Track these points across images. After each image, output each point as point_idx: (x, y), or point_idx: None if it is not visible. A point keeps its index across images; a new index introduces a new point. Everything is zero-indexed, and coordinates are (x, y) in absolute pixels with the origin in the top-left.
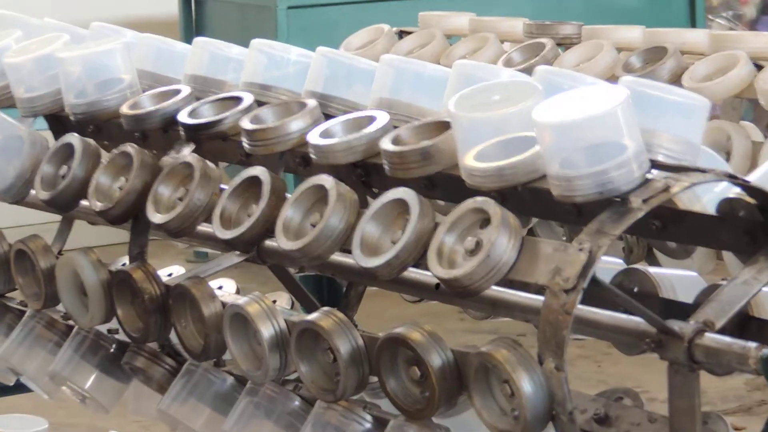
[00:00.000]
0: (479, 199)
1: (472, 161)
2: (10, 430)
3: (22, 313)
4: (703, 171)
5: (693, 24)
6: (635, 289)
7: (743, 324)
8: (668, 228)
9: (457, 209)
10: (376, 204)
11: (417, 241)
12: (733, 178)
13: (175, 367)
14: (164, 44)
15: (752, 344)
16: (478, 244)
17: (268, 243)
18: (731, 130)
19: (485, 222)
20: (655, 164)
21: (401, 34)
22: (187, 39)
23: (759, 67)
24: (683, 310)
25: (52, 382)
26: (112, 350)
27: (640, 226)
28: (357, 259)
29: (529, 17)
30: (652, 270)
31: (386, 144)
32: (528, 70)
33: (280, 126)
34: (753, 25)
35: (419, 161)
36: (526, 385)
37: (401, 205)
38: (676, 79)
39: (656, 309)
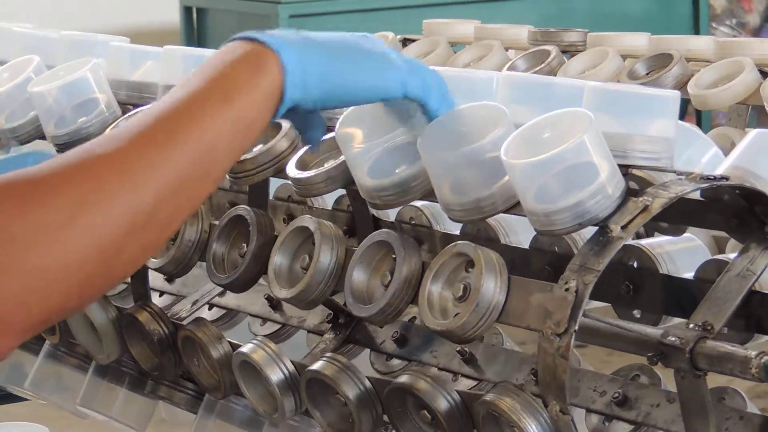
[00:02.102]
0: (460, 243)
1: (448, 194)
2: None
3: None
4: (680, 174)
5: (696, 32)
6: (635, 265)
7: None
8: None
9: (439, 256)
10: (360, 249)
11: (406, 285)
12: (710, 180)
13: (198, 391)
14: (136, 49)
15: (753, 352)
16: (466, 290)
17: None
18: (737, 137)
19: (470, 264)
20: (630, 174)
21: (405, 42)
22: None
23: (765, 74)
24: (686, 289)
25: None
26: (135, 374)
27: None
28: (351, 308)
29: (533, 24)
30: (649, 243)
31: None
32: None
33: (258, 156)
34: (757, 33)
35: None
36: (533, 430)
37: (385, 245)
38: (681, 86)
39: (658, 285)
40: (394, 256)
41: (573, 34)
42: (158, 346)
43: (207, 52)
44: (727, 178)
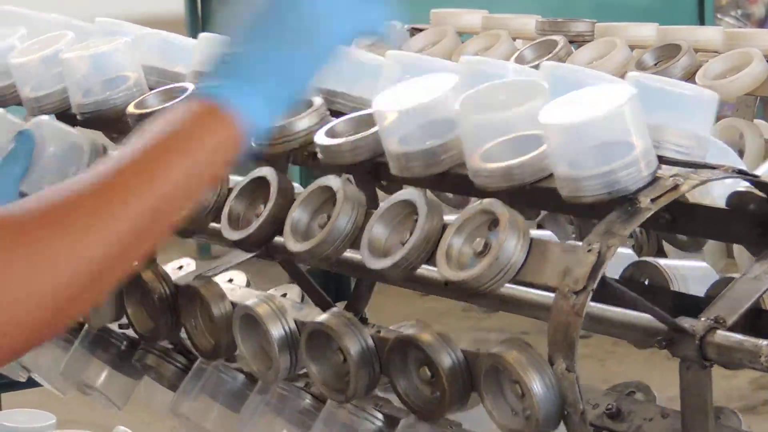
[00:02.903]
0: (487, 200)
1: (478, 162)
2: (17, 425)
3: None
4: (712, 167)
5: (702, 22)
6: (646, 282)
7: (756, 318)
8: (678, 221)
9: (465, 211)
10: (383, 205)
11: (425, 242)
12: (742, 174)
13: (186, 364)
14: (169, 39)
15: (764, 342)
16: (487, 246)
17: (278, 239)
18: (744, 128)
19: (494, 223)
20: (663, 161)
21: (413, 32)
22: (194, 36)
23: None
24: (695, 304)
25: (64, 380)
26: (123, 347)
27: (649, 219)
28: (365, 261)
29: (541, 14)
30: (663, 262)
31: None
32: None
33: (286, 125)
34: (762, 24)
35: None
36: (537, 386)
37: (409, 206)
38: (689, 77)
39: (667, 302)
40: (415, 217)
41: (581, 24)
42: (158, 305)
43: None
44: (756, 176)
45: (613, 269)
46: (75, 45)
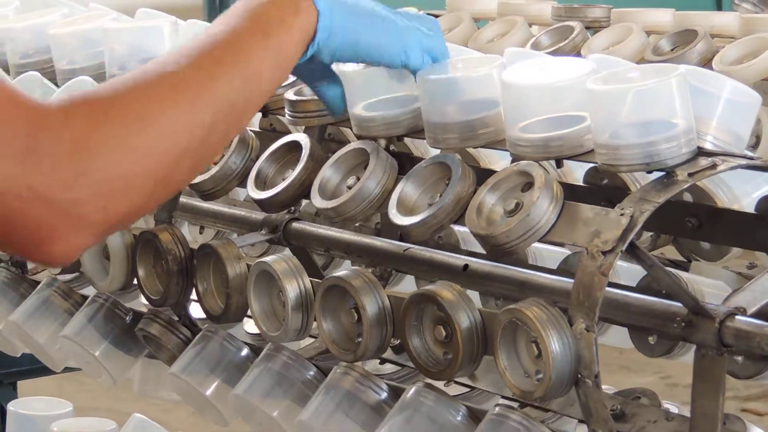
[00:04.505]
0: (524, 162)
1: (518, 132)
2: (34, 412)
3: (37, 284)
4: (750, 158)
5: (719, 8)
6: (664, 292)
7: None
8: (704, 227)
9: (501, 171)
10: (416, 167)
11: (455, 203)
12: None
13: (190, 337)
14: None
15: None
16: (518, 205)
17: (295, 225)
18: (762, 114)
19: (528, 186)
20: (702, 149)
21: None
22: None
23: None
24: None
25: (62, 349)
26: (127, 320)
27: (675, 225)
28: (392, 218)
29: (557, 0)
30: (682, 274)
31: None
32: (556, 54)
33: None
34: None
35: None
36: (554, 344)
37: (442, 170)
38: (705, 63)
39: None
40: (447, 181)
41: (597, 10)
42: (171, 266)
43: None
44: None
45: (630, 279)
46: (117, 22)
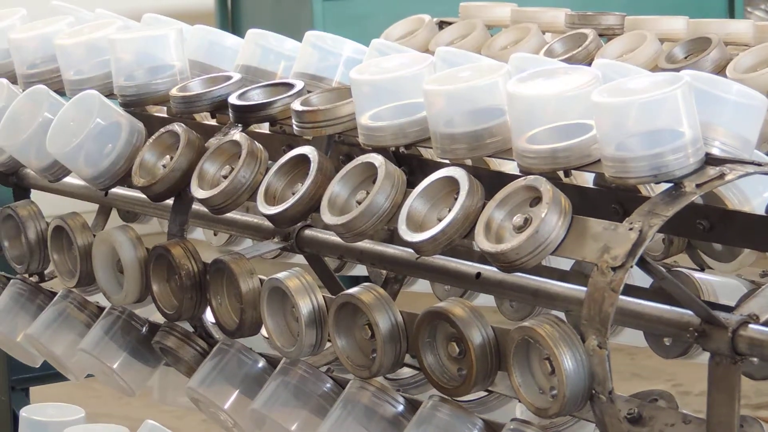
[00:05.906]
0: (531, 177)
1: (525, 143)
2: (47, 418)
3: (54, 295)
4: (758, 164)
5: (731, 16)
6: None
7: None
8: (715, 229)
9: (508, 186)
10: (425, 182)
11: (464, 219)
12: None
13: (206, 349)
14: (215, 36)
15: None
16: (527, 221)
17: (308, 232)
18: None
19: (536, 200)
20: (710, 156)
21: (442, 25)
22: (223, 30)
23: None
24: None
25: (80, 361)
26: (143, 332)
27: (686, 227)
28: (402, 234)
29: (570, 8)
30: (694, 274)
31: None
32: (570, 61)
33: (331, 109)
34: None
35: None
36: (567, 362)
37: (450, 184)
38: (720, 70)
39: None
40: (455, 196)
41: (610, 17)
42: (185, 282)
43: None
44: None
45: (643, 279)
46: (123, 31)
